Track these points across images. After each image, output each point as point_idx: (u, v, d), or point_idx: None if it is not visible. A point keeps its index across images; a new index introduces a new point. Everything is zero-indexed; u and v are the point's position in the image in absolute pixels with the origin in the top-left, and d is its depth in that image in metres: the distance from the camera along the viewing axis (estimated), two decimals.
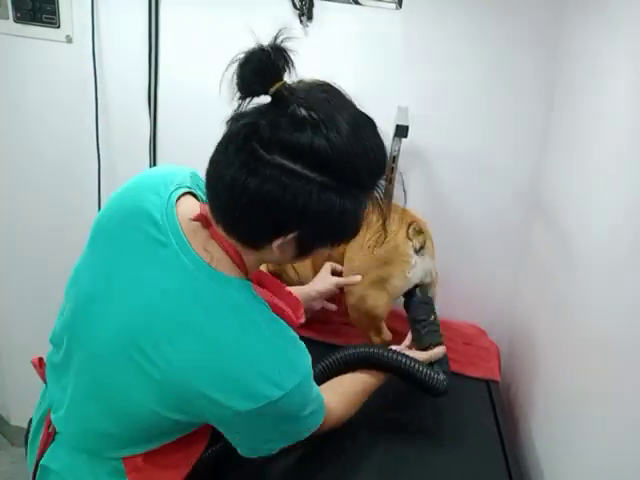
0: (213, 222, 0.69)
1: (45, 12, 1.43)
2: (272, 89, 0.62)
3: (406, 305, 1.25)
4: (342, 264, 1.25)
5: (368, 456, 1.05)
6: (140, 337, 0.67)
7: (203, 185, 0.71)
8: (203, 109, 1.50)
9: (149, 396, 0.68)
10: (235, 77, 0.64)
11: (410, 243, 1.21)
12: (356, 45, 1.43)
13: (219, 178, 0.64)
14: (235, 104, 0.67)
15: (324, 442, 1.06)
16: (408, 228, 1.22)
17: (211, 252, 0.68)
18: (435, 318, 1.20)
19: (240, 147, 0.62)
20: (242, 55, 0.65)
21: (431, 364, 1.10)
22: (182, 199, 0.74)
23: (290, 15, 1.42)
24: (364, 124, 0.66)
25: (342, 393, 0.95)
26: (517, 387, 1.40)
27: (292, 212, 0.62)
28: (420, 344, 1.15)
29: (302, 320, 0.77)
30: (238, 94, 0.65)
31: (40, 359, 0.87)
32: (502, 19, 1.34)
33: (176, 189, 0.74)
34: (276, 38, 0.66)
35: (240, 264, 0.70)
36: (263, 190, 0.60)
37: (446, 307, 1.56)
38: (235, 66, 0.64)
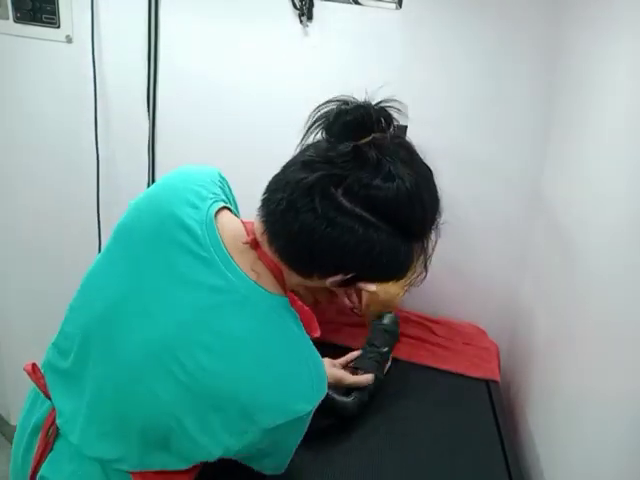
0: (266, 245, 0.70)
1: (45, 12, 1.44)
2: (362, 141, 0.65)
3: (372, 324, 1.25)
4: None
5: (367, 456, 1.05)
6: (177, 347, 0.66)
7: (228, 188, 0.74)
8: (202, 109, 1.51)
9: (177, 401, 0.67)
10: (331, 119, 0.70)
11: None
12: (356, 45, 1.43)
13: (289, 215, 0.65)
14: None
15: (323, 441, 1.06)
16: None
17: (258, 272, 0.69)
18: (388, 351, 1.20)
19: (324, 195, 0.63)
20: (347, 103, 0.71)
21: (353, 389, 1.10)
22: (221, 213, 0.74)
23: (290, 15, 1.42)
24: (430, 177, 0.72)
25: None
26: (517, 387, 1.40)
27: (360, 258, 0.65)
28: (357, 364, 1.16)
29: (317, 334, 0.78)
30: (321, 131, 0.71)
31: (34, 365, 0.82)
32: (502, 19, 1.34)
33: (214, 202, 0.74)
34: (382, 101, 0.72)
35: (282, 283, 0.71)
36: (340, 239, 0.63)
37: (446, 307, 1.57)
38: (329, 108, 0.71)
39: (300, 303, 0.81)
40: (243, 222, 0.74)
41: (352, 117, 0.68)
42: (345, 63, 1.45)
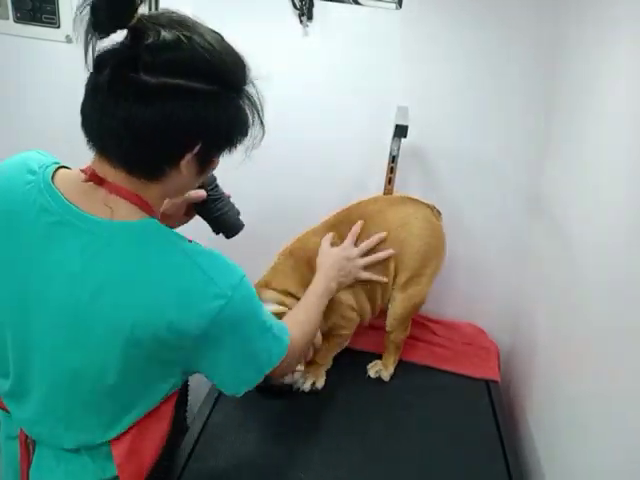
0: (109, 171, 0.69)
1: (45, 12, 1.43)
2: (132, 22, 0.64)
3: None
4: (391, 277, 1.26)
5: (367, 455, 1.05)
6: (84, 307, 0.67)
7: (53, 158, 0.74)
8: None
9: (109, 351, 0.68)
10: (89, 18, 0.64)
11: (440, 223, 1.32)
12: (356, 45, 1.43)
13: (109, 123, 0.65)
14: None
15: (321, 437, 1.06)
16: (432, 209, 1.32)
17: (112, 207, 0.69)
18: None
19: (125, 82, 0.63)
20: None
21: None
22: (57, 174, 0.73)
23: (290, 15, 1.42)
24: (220, 36, 0.72)
25: (291, 321, 0.94)
26: (517, 387, 1.40)
27: (193, 125, 0.65)
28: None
29: None
30: (92, 35, 0.65)
31: None
32: (502, 19, 1.34)
33: (45, 168, 0.73)
34: None
35: (144, 206, 0.71)
36: (165, 115, 0.63)
37: (446, 307, 1.57)
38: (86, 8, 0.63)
39: None
40: (82, 169, 0.73)
41: (108, 2, 0.63)
42: (345, 63, 1.45)
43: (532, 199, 1.43)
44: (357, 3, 1.39)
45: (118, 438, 0.76)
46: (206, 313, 0.68)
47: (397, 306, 1.25)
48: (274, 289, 1.18)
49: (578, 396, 0.98)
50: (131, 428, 0.77)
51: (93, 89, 0.67)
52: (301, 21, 1.41)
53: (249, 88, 0.75)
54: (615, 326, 0.86)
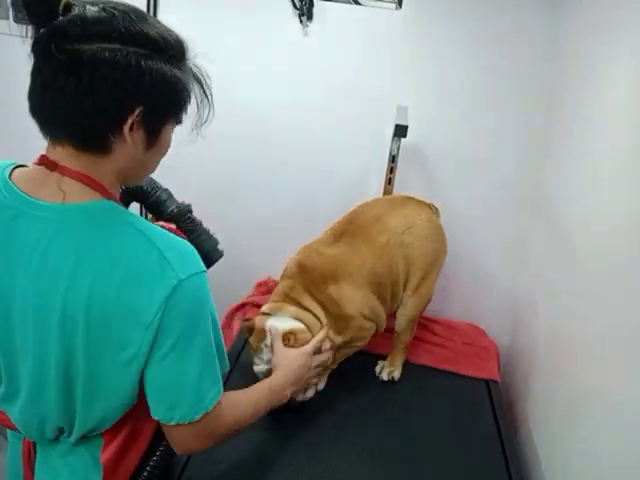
0: (60, 155, 0.69)
1: None
2: (61, 6, 0.65)
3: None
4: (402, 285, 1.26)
5: (367, 455, 1.05)
6: (45, 298, 0.68)
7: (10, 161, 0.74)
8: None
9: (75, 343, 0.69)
10: (20, 8, 0.66)
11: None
12: (356, 45, 1.43)
13: (50, 97, 0.66)
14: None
15: (321, 437, 1.06)
16: (431, 207, 1.33)
17: (64, 190, 0.68)
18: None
19: (58, 53, 0.64)
20: None
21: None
22: (14, 172, 0.74)
23: (290, 15, 1.42)
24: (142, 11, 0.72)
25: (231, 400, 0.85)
26: (517, 387, 1.40)
27: (129, 87, 0.65)
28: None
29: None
30: (28, 27, 0.68)
31: None
32: (502, 19, 1.34)
33: (3, 169, 0.74)
34: None
35: (98, 187, 0.70)
36: (97, 78, 0.63)
37: (446, 307, 1.57)
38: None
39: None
40: (41, 155, 0.73)
41: None
42: (345, 63, 1.45)
43: (532, 199, 1.44)
44: (357, 3, 1.39)
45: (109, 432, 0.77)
46: (157, 294, 0.66)
47: (409, 307, 1.26)
48: (291, 304, 1.13)
49: (578, 396, 0.98)
50: (114, 437, 0.77)
51: (33, 72, 0.69)
52: (301, 21, 1.41)
53: (189, 62, 0.74)
54: (615, 326, 0.86)
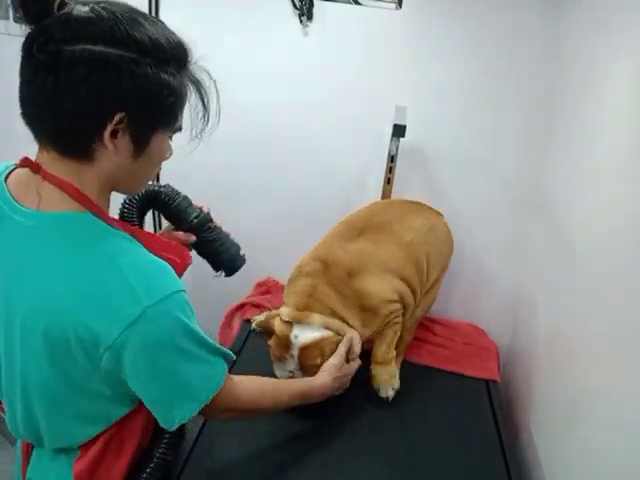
0: (44, 159, 0.68)
1: None
2: (55, 5, 0.65)
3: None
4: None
5: (368, 455, 1.05)
6: (12, 309, 0.67)
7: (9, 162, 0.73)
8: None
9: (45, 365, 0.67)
10: (16, 7, 0.65)
11: None
12: (356, 45, 1.43)
13: (34, 98, 0.65)
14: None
15: (320, 437, 1.06)
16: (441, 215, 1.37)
17: (42, 194, 0.67)
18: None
19: (42, 54, 0.63)
20: None
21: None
22: (12, 173, 0.73)
23: (290, 15, 1.42)
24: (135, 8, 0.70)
25: (255, 382, 0.90)
26: (517, 387, 1.40)
27: (109, 91, 0.63)
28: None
29: (189, 260, 0.83)
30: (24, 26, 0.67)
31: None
32: (502, 19, 1.33)
33: (4, 170, 0.74)
34: None
35: (78, 195, 0.67)
36: (75, 80, 0.62)
37: (446, 307, 1.57)
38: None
39: (165, 239, 0.84)
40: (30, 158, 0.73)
41: None
42: (345, 63, 1.45)
43: (532, 199, 1.43)
44: (357, 3, 1.39)
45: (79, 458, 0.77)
46: (118, 320, 0.63)
47: (419, 308, 1.28)
48: (316, 308, 1.09)
49: (578, 396, 0.98)
50: (90, 451, 0.77)
51: (19, 71, 0.68)
52: (301, 21, 1.41)
53: (189, 67, 0.71)
54: (615, 326, 0.86)
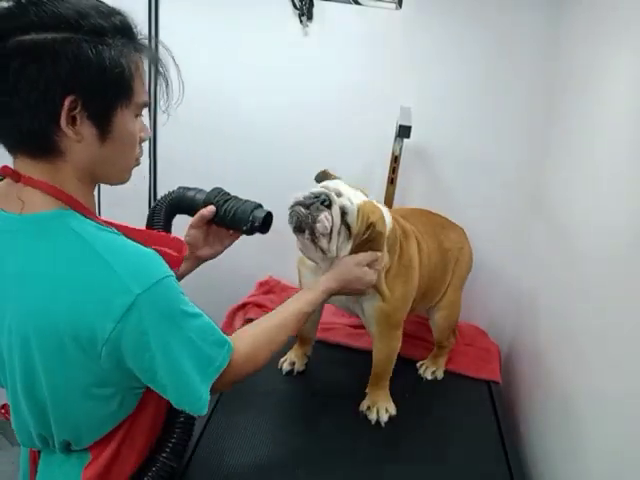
0: (20, 166, 0.67)
1: None
2: None
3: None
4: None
5: (369, 455, 1.05)
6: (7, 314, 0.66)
7: None
8: (203, 108, 1.51)
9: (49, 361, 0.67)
10: None
11: None
12: (356, 45, 1.43)
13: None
14: None
15: (321, 437, 1.06)
16: None
17: (24, 199, 0.66)
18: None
19: None
20: None
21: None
22: None
23: (290, 15, 1.42)
24: None
25: (254, 330, 0.87)
26: (518, 387, 1.40)
27: (47, 75, 0.60)
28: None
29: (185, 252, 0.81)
30: None
31: (4, 405, 0.83)
32: (502, 19, 1.34)
33: None
34: None
35: (59, 194, 0.66)
36: (12, 74, 0.59)
37: None
38: None
39: (163, 234, 0.84)
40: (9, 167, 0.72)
41: None
42: (345, 63, 1.45)
43: (532, 199, 1.43)
44: (357, 3, 1.39)
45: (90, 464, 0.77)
46: (110, 311, 0.62)
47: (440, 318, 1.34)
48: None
49: (578, 396, 0.98)
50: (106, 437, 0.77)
51: None
52: (301, 21, 1.42)
53: (128, 37, 0.67)
54: (615, 327, 0.86)
